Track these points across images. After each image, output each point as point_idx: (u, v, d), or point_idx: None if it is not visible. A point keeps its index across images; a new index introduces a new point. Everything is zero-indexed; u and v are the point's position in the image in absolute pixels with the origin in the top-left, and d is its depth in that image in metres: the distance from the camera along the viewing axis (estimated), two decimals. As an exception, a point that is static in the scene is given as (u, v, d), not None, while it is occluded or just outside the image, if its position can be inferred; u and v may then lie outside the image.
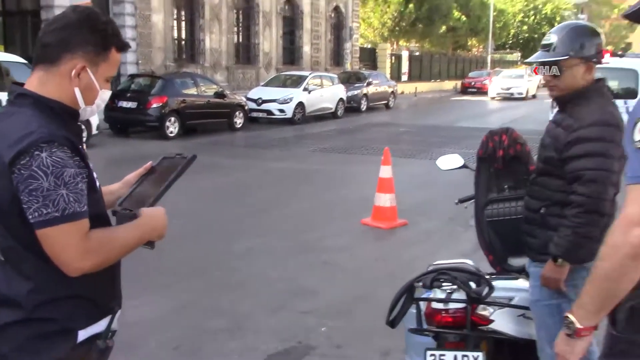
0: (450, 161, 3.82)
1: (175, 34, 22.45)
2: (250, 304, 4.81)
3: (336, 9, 31.58)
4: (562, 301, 2.56)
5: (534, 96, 33.51)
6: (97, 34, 1.76)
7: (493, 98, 32.89)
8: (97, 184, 1.81)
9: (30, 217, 1.59)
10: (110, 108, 15.39)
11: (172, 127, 15.53)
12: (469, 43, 54.11)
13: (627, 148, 1.57)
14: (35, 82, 1.74)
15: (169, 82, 16.23)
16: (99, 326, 1.80)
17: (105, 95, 1.84)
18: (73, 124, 1.81)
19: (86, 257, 1.64)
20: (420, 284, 2.71)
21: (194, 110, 16.23)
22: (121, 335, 1.97)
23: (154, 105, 15.23)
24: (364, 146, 14.31)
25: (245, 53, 25.73)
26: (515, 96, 32.33)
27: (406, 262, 5.86)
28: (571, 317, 1.66)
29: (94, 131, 13.68)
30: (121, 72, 19.64)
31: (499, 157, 3.33)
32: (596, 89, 2.55)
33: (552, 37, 2.59)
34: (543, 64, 2.58)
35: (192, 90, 16.66)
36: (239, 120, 17.88)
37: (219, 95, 17.08)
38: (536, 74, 2.76)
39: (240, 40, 25.60)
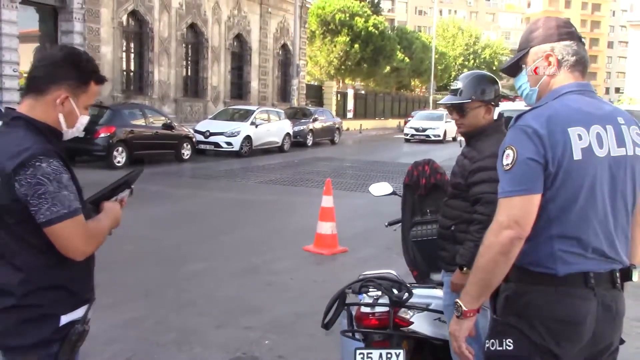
0: (381, 188, 4.32)
1: (124, 66, 22.63)
2: (197, 321, 5.14)
3: (284, 46, 32.39)
4: None
5: (454, 139, 27.75)
6: (79, 70, 2.14)
7: (407, 140, 30.21)
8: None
9: (42, 216, 1.95)
10: (57, 137, 15.48)
11: (120, 156, 15.68)
12: (412, 83, 55.95)
13: (498, 171, 2.07)
14: (26, 107, 2.12)
15: (117, 113, 16.41)
16: (78, 313, 2.15)
17: (84, 120, 2.22)
18: (57, 143, 2.16)
19: (88, 242, 2.06)
20: (350, 290, 3.15)
21: (141, 140, 16.43)
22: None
23: (102, 135, 15.37)
24: (308, 179, 14.81)
25: (193, 86, 26.08)
26: (432, 138, 29.49)
27: (345, 283, 6.28)
28: (459, 302, 2.13)
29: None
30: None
31: (422, 185, 3.86)
32: (495, 127, 3.09)
33: (458, 84, 3.13)
34: (452, 105, 3.11)
35: (140, 121, 16.88)
36: (186, 152, 18.16)
37: (167, 126, 17.34)
38: (450, 113, 3.29)
39: (189, 73, 25.96)
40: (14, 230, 2.00)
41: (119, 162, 15.59)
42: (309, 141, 24.82)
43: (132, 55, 23.08)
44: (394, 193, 4.28)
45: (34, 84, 2.12)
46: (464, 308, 2.10)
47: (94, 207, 2.23)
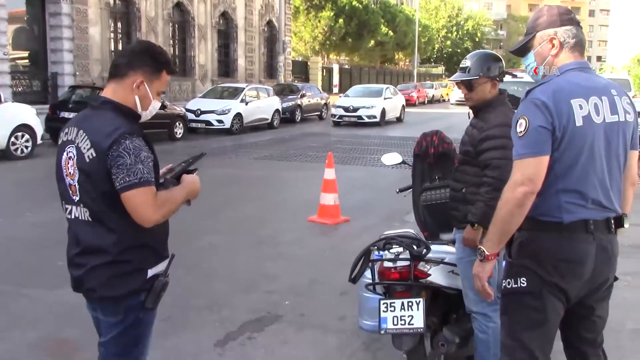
0: (392, 158, 4.71)
1: (113, 46, 22.71)
2: (221, 287, 5.55)
3: (269, 23, 32.48)
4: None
5: (398, 119, 25.61)
6: (154, 59, 2.51)
7: (337, 123, 24.13)
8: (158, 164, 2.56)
9: (118, 184, 2.30)
10: (52, 118, 15.68)
11: (115, 136, 15.86)
12: (396, 57, 56.14)
13: (512, 137, 2.46)
14: (110, 92, 2.48)
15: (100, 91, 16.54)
16: (160, 267, 2.54)
17: (156, 104, 2.57)
18: (137, 123, 2.53)
19: (157, 211, 2.37)
20: (375, 247, 3.55)
21: (135, 120, 16.61)
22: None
23: (97, 116, 15.52)
24: (301, 154, 15.17)
25: (181, 65, 26.20)
26: (365, 120, 23.41)
27: (351, 251, 6.58)
28: (482, 247, 2.54)
29: (39, 141, 14.00)
30: (58, 83, 19.82)
31: (430, 154, 4.26)
32: (499, 100, 3.47)
33: (467, 62, 3.50)
34: (462, 82, 3.49)
35: (133, 102, 17.03)
36: (179, 131, 18.42)
37: (160, 106, 17.52)
38: (459, 89, 3.68)
39: (177, 52, 26.06)
40: (109, 197, 2.35)
41: (114, 141, 15.77)
42: (298, 117, 25.09)
43: (120, 36, 23.16)
44: (403, 162, 4.68)
45: (117, 70, 2.48)
46: (486, 252, 2.51)
47: (176, 181, 2.57)
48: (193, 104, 20.66)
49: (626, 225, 2.55)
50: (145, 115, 2.56)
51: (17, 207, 8.80)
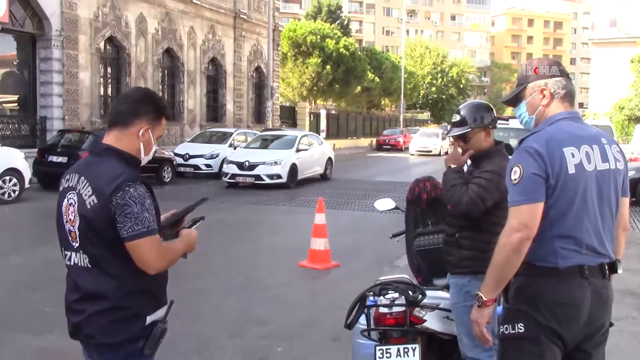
0: (385, 204, 4.76)
1: (102, 91, 22.84)
2: (211, 331, 5.50)
3: (257, 69, 32.90)
4: (472, 302, 3.46)
5: (323, 176, 20.78)
6: (156, 106, 2.57)
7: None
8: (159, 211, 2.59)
9: (125, 232, 2.32)
10: (39, 162, 15.65)
11: (103, 181, 15.82)
12: (383, 103, 56.87)
13: (507, 185, 2.53)
14: (113, 139, 2.51)
15: (100, 138, 16.22)
16: (159, 314, 2.53)
17: (154, 148, 2.63)
18: (138, 169, 2.56)
19: (160, 259, 2.41)
20: (372, 293, 3.57)
21: (124, 164, 16.60)
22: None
23: (86, 160, 15.51)
24: (291, 199, 15.21)
25: (170, 110, 25.95)
26: (266, 182, 17.64)
27: (341, 294, 6.68)
28: (480, 293, 2.57)
29: (26, 185, 13.95)
30: (47, 127, 19.85)
31: (423, 200, 4.31)
32: (496, 150, 3.55)
33: (459, 115, 3.58)
34: (456, 136, 3.57)
35: (122, 146, 17.04)
36: (167, 175, 18.42)
37: (148, 150, 17.56)
38: (456, 142, 3.77)
39: (166, 97, 26.18)
40: (110, 243, 2.36)
41: (102, 186, 15.72)
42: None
43: (110, 81, 23.33)
44: (397, 208, 4.73)
45: (120, 118, 2.52)
46: (484, 298, 2.55)
47: (174, 234, 2.63)
48: (182, 149, 20.72)
49: (619, 271, 2.60)
50: (145, 159, 2.60)
51: (3, 249, 8.71)
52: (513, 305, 2.58)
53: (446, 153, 30.62)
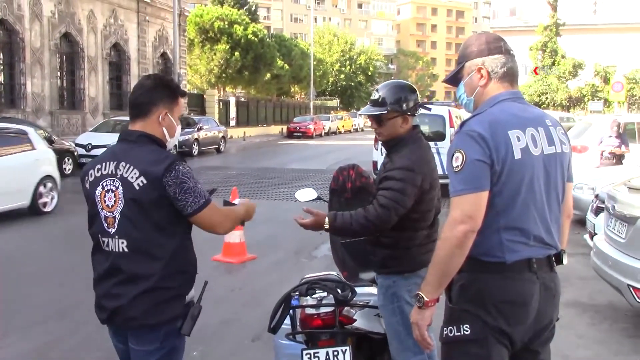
0: (306, 194, 4.45)
1: (-7, 78, 21.29)
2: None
3: (163, 55, 31.79)
4: (400, 303, 3.22)
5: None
6: (169, 88, 2.63)
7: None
8: None
9: (189, 208, 2.45)
10: None
11: (-4, 174, 14.71)
12: (292, 90, 56.64)
13: (448, 172, 2.28)
14: (139, 128, 2.56)
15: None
16: (193, 292, 2.63)
17: (179, 129, 2.70)
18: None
19: (227, 220, 2.64)
20: (297, 293, 3.27)
21: (19, 156, 15.51)
22: None
23: (-24, 152, 14.36)
24: (202, 189, 14.65)
25: (70, 98, 24.97)
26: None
27: (260, 289, 6.40)
28: (421, 293, 2.32)
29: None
30: None
31: (348, 189, 4.04)
32: (412, 136, 3.20)
33: (378, 93, 3.23)
34: (370, 116, 3.28)
35: (17, 136, 15.92)
36: (68, 167, 17.36)
37: (47, 140, 16.48)
38: (370, 122, 3.41)
39: (65, 85, 24.84)
40: (157, 222, 2.44)
41: (-4, 180, 14.62)
42: (195, 150, 24.53)
43: (2, 67, 21.74)
44: (319, 198, 4.43)
45: (139, 111, 2.57)
46: (425, 298, 2.30)
47: (232, 203, 2.87)
48: (84, 139, 19.61)
49: (565, 262, 2.43)
50: (172, 142, 2.66)
51: None
52: (457, 305, 2.35)
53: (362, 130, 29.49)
